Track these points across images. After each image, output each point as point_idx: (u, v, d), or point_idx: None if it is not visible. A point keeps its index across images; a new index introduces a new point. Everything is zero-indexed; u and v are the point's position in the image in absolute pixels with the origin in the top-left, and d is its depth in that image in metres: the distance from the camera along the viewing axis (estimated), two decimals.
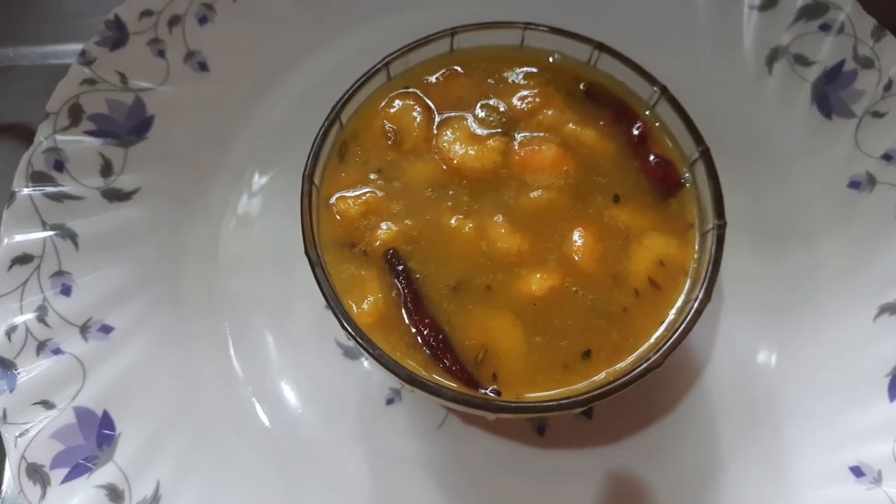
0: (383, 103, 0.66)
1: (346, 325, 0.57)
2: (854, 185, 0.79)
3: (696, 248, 0.62)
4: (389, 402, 0.74)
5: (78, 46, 0.86)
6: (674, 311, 0.60)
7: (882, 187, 0.79)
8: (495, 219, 0.63)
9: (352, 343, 0.74)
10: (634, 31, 0.84)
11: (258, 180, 0.82)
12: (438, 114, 0.66)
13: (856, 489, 0.69)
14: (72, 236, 0.74)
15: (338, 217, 0.63)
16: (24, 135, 0.89)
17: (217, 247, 0.79)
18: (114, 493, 0.67)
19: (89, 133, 0.77)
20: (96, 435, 0.69)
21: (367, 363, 0.75)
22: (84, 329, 0.72)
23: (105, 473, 0.68)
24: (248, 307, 0.77)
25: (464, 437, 0.73)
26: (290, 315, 0.76)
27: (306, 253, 0.59)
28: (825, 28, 0.83)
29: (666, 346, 0.57)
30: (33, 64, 0.94)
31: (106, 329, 0.73)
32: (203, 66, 0.82)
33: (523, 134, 0.65)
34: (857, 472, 0.70)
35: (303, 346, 0.76)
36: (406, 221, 0.62)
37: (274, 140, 0.82)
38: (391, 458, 0.72)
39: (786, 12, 0.84)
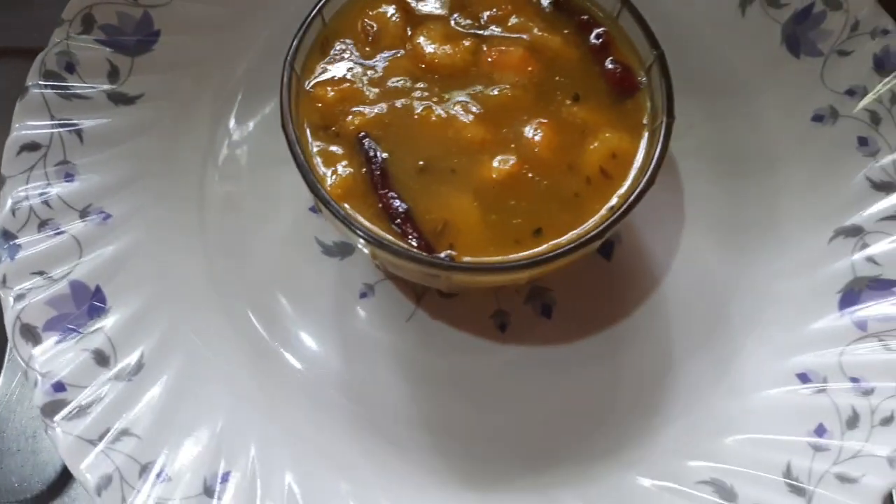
0: (365, 4, 0.71)
1: (316, 191, 0.62)
2: (817, 118, 0.83)
3: (646, 142, 0.66)
4: (363, 295, 0.79)
5: None
6: (619, 195, 0.65)
7: (844, 120, 0.82)
8: (462, 110, 0.67)
9: (329, 241, 0.80)
10: None
11: (253, 94, 0.87)
12: (416, 16, 0.71)
13: (801, 393, 0.73)
14: (77, 131, 0.80)
15: (317, 104, 0.68)
16: None
17: (210, 151, 0.84)
18: (101, 357, 0.72)
19: (99, 41, 0.83)
20: (88, 306, 0.74)
21: (343, 260, 0.80)
22: (84, 213, 0.78)
23: (93, 339, 0.73)
24: (236, 206, 0.82)
25: (430, 330, 0.77)
26: (273, 215, 0.82)
27: (283, 129, 0.64)
28: None
29: (606, 223, 0.61)
30: None
31: (104, 215, 0.78)
32: None
33: (494, 36, 0.70)
34: (803, 378, 0.73)
35: (284, 243, 0.81)
36: (378, 108, 0.67)
37: (270, 56, 0.87)
38: (363, 346, 0.77)
39: None
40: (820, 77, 0.84)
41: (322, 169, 0.66)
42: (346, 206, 0.64)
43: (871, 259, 0.76)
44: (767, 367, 0.75)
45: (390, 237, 0.63)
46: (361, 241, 0.61)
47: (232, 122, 0.86)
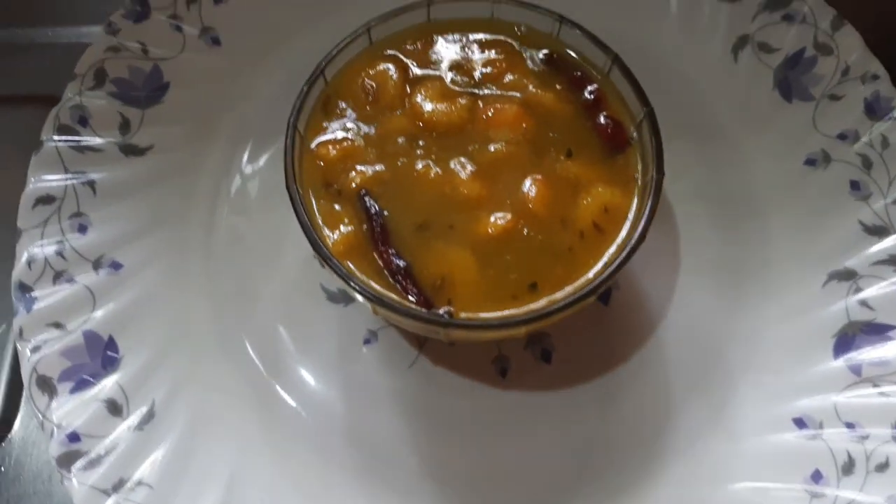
0: (365, 64, 0.74)
1: (318, 249, 0.65)
2: (810, 162, 0.85)
3: (637, 197, 0.68)
4: (366, 342, 0.81)
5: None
6: (612, 250, 0.67)
7: (836, 164, 0.84)
8: (459, 167, 0.70)
9: (333, 288, 0.82)
10: (604, 21, 0.90)
11: (260, 143, 0.90)
12: (414, 75, 0.74)
13: (798, 438, 0.74)
14: (90, 183, 0.83)
15: (319, 162, 0.71)
16: (52, 105, 0.98)
17: (219, 199, 0.87)
18: (113, 406, 0.75)
19: (111, 94, 0.86)
20: (101, 356, 0.76)
21: (347, 307, 0.82)
22: (97, 264, 0.80)
23: (107, 389, 0.75)
24: (243, 252, 0.84)
25: (433, 375, 0.79)
26: (280, 260, 0.84)
27: (287, 187, 0.67)
28: (788, 18, 0.89)
29: (600, 279, 0.63)
30: (70, 41, 1.04)
31: (116, 265, 0.81)
32: (216, 41, 0.91)
33: (489, 94, 0.73)
34: (799, 423, 0.75)
35: (290, 289, 0.83)
36: (378, 166, 0.70)
37: (276, 106, 0.89)
38: (365, 392, 0.79)
39: (752, 3, 0.90)
40: (812, 121, 0.86)
41: (324, 226, 0.68)
42: (348, 262, 0.66)
43: (864, 303, 0.78)
44: (764, 412, 0.76)
45: (390, 295, 0.65)
46: (362, 298, 0.63)
47: (238, 174, 0.88)
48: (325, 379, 0.79)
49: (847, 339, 0.77)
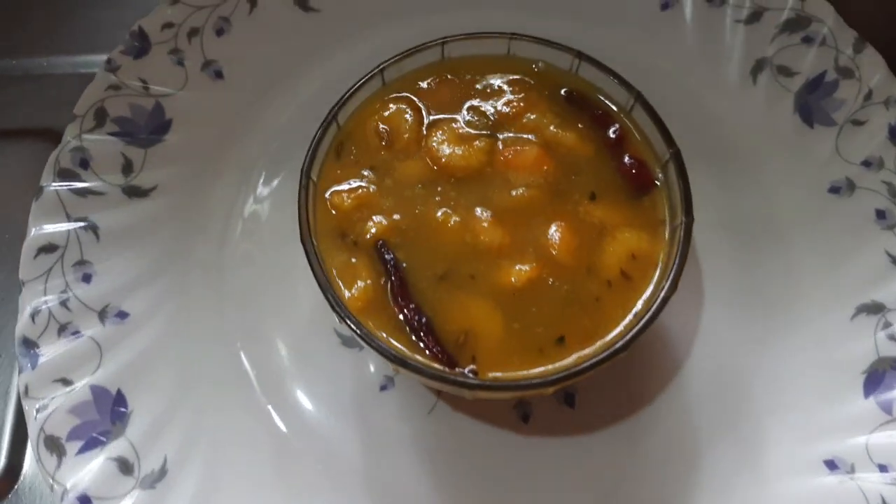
0: (378, 106, 0.71)
1: (336, 307, 0.62)
2: (834, 190, 0.83)
3: (666, 242, 0.66)
4: (383, 388, 0.78)
5: (105, 57, 0.93)
6: (643, 300, 0.64)
7: (861, 192, 0.82)
8: (479, 213, 0.67)
9: (348, 333, 0.80)
10: (624, 43, 0.89)
11: (266, 180, 0.87)
12: (429, 117, 0.71)
13: (829, 481, 0.72)
14: (93, 228, 0.80)
15: (332, 211, 0.68)
16: (53, 138, 0.94)
17: (226, 240, 0.84)
18: (124, 465, 0.72)
19: (112, 134, 0.84)
20: (110, 411, 0.74)
21: (362, 351, 0.79)
22: (102, 314, 0.78)
23: (117, 447, 0.73)
24: (253, 296, 0.82)
25: (452, 422, 0.77)
26: (291, 304, 0.81)
27: (302, 242, 0.64)
28: (808, 40, 0.86)
29: (632, 333, 0.61)
30: (65, 72, 1.01)
31: (122, 315, 0.78)
32: (218, 74, 0.88)
33: (507, 135, 0.70)
34: (830, 465, 0.73)
35: (303, 333, 0.80)
36: (395, 215, 0.67)
37: (281, 142, 0.88)
38: (383, 440, 0.76)
39: (770, 26, 0.88)
40: (835, 147, 0.84)
41: (341, 279, 0.65)
42: (367, 319, 0.63)
43: (893, 338, 0.76)
44: (793, 454, 0.74)
45: (414, 357, 0.62)
46: (384, 359, 0.61)
47: (245, 213, 0.86)
48: (341, 427, 0.77)
49: (877, 377, 0.75)
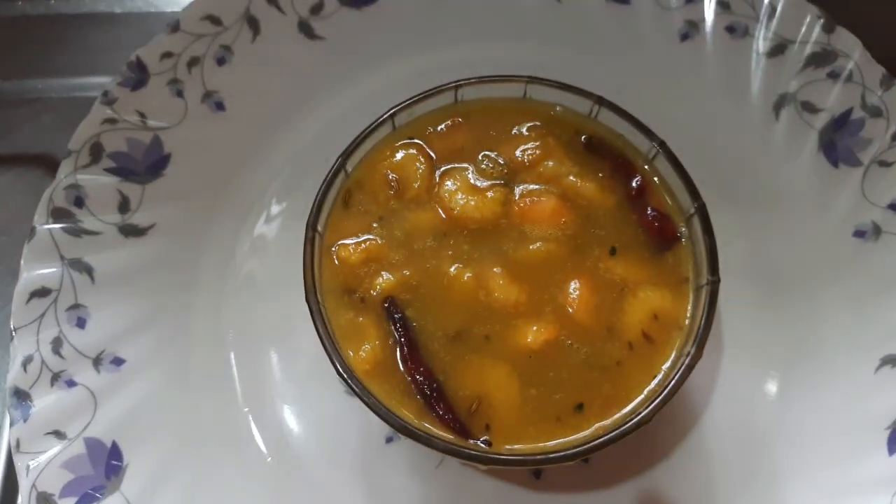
0: (388, 153, 0.68)
1: (342, 372, 0.59)
2: (859, 234, 0.80)
3: (690, 302, 0.63)
4: (389, 440, 0.75)
5: (103, 79, 0.89)
6: (666, 366, 0.61)
7: (887, 237, 0.79)
8: (494, 269, 0.64)
9: None
10: (643, 75, 0.86)
11: (270, 216, 0.84)
12: (441, 164, 0.68)
13: None
14: (88, 270, 0.77)
15: (338, 263, 0.65)
16: (50, 165, 0.92)
17: (227, 282, 0.81)
18: None
19: (109, 171, 0.80)
20: (105, 465, 0.71)
21: None
22: (97, 361, 0.74)
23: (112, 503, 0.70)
24: (255, 342, 0.79)
25: (461, 477, 0.74)
26: (295, 351, 0.78)
27: (307, 300, 0.61)
28: (833, 76, 0.83)
29: (656, 402, 0.58)
30: (60, 96, 0.97)
31: (118, 361, 0.75)
32: (219, 106, 0.84)
33: (523, 185, 0.67)
34: None
35: (306, 382, 0.77)
36: (405, 271, 0.64)
37: (285, 177, 0.84)
38: (389, 495, 0.74)
39: (794, 59, 0.84)
40: (860, 189, 0.81)
41: (347, 340, 0.62)
42: (374, 383, 0.60)
43: None
44: None
45: (423, 427, 0.59)
46: (393, 429, 0.58)
47: (248, 253, 0.82)
48: (346, 481, 0.74)
49: None
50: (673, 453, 0.75)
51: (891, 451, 0.72)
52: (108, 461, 0.71)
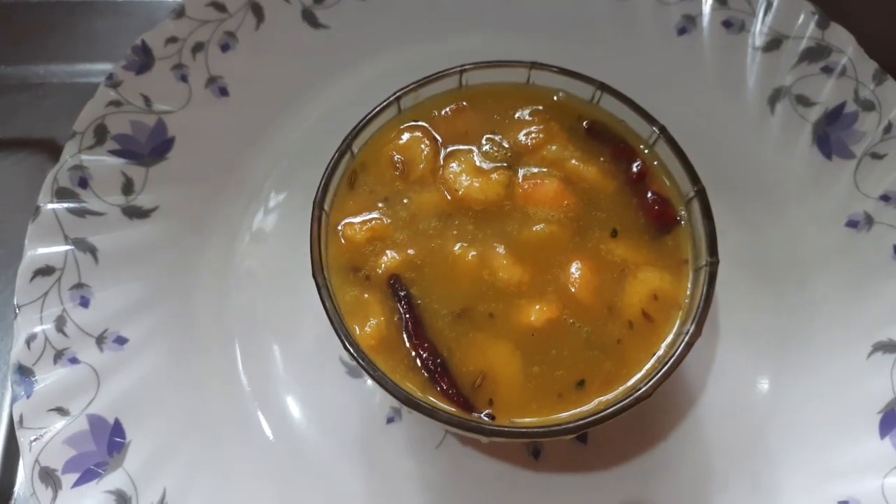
0: (393, 135, 0.69)
1: (348, 347, 0.60)
2: (852, 224, 0.81)
3: (690, 283, 0.64)
4: (390, 420, 0.76)
5: (105, 66, 0.90)
6: (665, 343, 0.62)
7: (879, 227, 0.80)
8: (498, 249, 0.65)
9: (354, 362, 0.77)
10: (641, 68, 0.87)
11: (272, 200, 0.84)
12: (445, 147, 0.69)
13: None
14: (92, 250, 0.78)
15: (344, 242, 0.66)
16: (51, 149, 0.93)
17: (230, 263, 0.82)
18: (122, 498, 0.70)
19: (113, 152, 0.81)
20: (107, 442, 0.72)
21: (369, 382, 0.77)
22: (100, 340, 0.75)
23: (114, 479, 0.70)
24: (258, 323, 0.79)
25: (461, 457, 0.75)
26: (297, 332, 0.79)
27: (314, 276, 0.62)
28: (827, 70, 0.85)
29: (655, 378, 0.59)
30: (62, 81, 0.97)
31: (121, 340, 0.76)
32: (223, 91, 0.85)
33: (527, 168, 0.68)
34: None
35: (308, 363, 0.78)
36: (410, 250, 0.65)
37: (289, 162, 0.85)
38: (390, 475, 0.74)
39: (789, 54, 0.86)
40: (853, 180, 0.82)
41: (353, 316, 0.63)
42: (379, 358, 0.61)
43: None
44: (808, 494, 0.72)
45: (428, 400, 0.60)
46: (398, 402, 0.59)
47: (251, 234, 0.83)
48: (347, 461, 0.75)
49: (893, 417, 0.73)
50: (670, 435, 0.76)
51: (882, 435, 0.73)
52: (110, 438, 0.72)
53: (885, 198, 0.81)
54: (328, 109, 0.86)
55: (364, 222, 0.66)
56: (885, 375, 0.75)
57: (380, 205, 0.67)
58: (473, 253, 0.64)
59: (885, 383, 0.75)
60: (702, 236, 0.64)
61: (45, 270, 0.76)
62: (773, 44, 0.87)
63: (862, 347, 0.77)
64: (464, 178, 0.67)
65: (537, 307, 0.63)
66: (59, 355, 0.73)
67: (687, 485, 0.74)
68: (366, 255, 0.65)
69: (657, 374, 0.60)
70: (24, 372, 0.72)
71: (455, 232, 0.66)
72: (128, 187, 0.81)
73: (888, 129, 0.82)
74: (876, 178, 0.81)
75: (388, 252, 0.65)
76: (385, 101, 0.68)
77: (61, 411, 0.71)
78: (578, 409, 0.60)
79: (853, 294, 0.79)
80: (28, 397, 0.71)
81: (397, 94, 0.68)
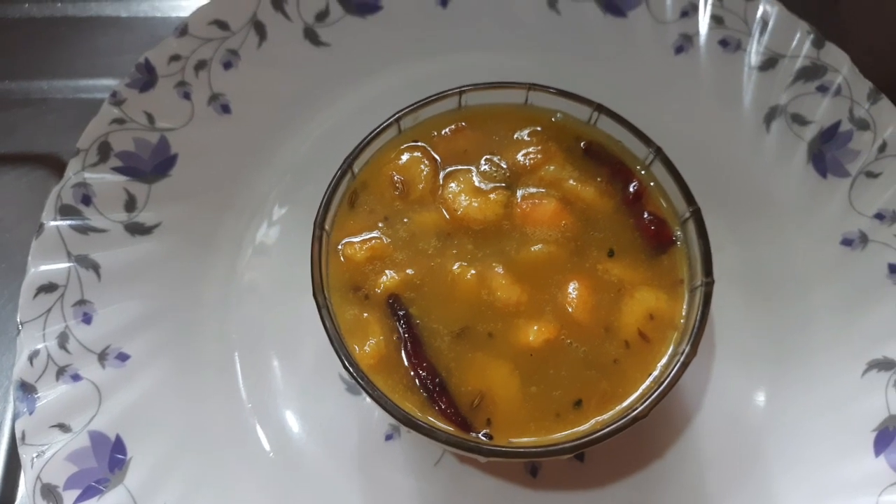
0: (393, 155, 0.70)
1: (348, 367, 0.60)
2: (847, 242, 0.82)
3: (685, 303, 0.65)
4: (388, 437, 0.77)
5: (108, 82, 0.91)
6: (661, 363, 0.63)
7: (874, 246, 0.81)
8: (496, 269, 0.66)
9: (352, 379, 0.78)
10: (638, 86, 0.88)
11: (274, 218, 0.85)
12: (445, 167, 0.70)
13: None
14: (95, 267, 0.78)
15: (344, 260, 0.66)
16: (54, 165, 0.94)
17: (231, 280, 0.82)
18: None
19: (116, 170, 0.82)
20: (108, 458, 0.72)
21: (368, 399, 0.78)
22: (102, 356, 0.76)
23: (115, 496, 0.71)
24: (259, 340, 0.80)
25: (459, 475, 0.75)
26: (297, 349, 0.79)
27: (314, 297, 0.63)
28: (822, 89, 0.86)
29: (651, 398, 0.60)
30: (65, 97, 0.98)
31: (122, 357, 0.76)
32: (226, 109, 0.86)
33: (525, 188, 0.69)
34: None
35: (308, 379, 0.79)
36: (409, 270, 0.66)
37: (290, 180, 0.86)
38: (388, 492, 0.75)
39: (784, 73, 0.87)
40: (848, 198, 0.83)
41: (351, 335, 0.64)
42: (378, 377, 0.62)
43: None
44: None
45: (426, 420, 0.61)
46: (397, 421, 0.59)
47: (253, 251, 0.84)
48: (346, 476, 0.75)
49: (888, 435, 0.74)
50: (666, 452, 0.76)
51: (877, 453, 0.74)
52: (111, 454, 0.72)
53: (880, 216, 0.81)
54: (330, 126, 0.87)
55: (364, 241, 0.67)
56: (880, 393, 0.76)
57: (380, 224, 0.68)
58: (472, 272, 0.65)
59: (879, 401, 0.75)
60: (697, 256, 0.65)
61: (48, 287, 0.76)
62: (769, 63, 0.88)
63: (857, 365, 0.77)
64: (463, 197, 0.68)
65: (535, 327, 0.64)
66: (61, 372, 0.74)
67: (683, 502, 0.75)
68: (365, 274, 0.66)
69: (653, 393, 0.60)
70: (26, 388, 0.72)
71: (454, 251, 0.66)
72: (130, 204, 0.81)
73: (882, 147, 0.83)
74: (871, 196, 0.82)
75: (387, 271, 0.65)
76: (385, 121, 0.69)
77: (63, 427, 0.72)
78: (576, 429, 0.61)
79: (848, 312, 0.80)
80: (30, 414, 0.72)
81: (397, 115, 0.69)
